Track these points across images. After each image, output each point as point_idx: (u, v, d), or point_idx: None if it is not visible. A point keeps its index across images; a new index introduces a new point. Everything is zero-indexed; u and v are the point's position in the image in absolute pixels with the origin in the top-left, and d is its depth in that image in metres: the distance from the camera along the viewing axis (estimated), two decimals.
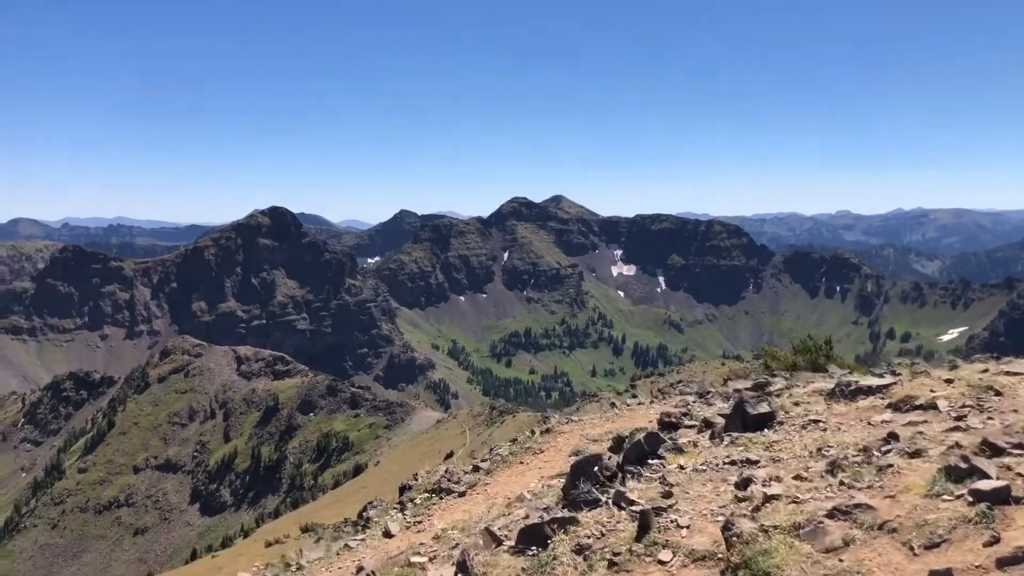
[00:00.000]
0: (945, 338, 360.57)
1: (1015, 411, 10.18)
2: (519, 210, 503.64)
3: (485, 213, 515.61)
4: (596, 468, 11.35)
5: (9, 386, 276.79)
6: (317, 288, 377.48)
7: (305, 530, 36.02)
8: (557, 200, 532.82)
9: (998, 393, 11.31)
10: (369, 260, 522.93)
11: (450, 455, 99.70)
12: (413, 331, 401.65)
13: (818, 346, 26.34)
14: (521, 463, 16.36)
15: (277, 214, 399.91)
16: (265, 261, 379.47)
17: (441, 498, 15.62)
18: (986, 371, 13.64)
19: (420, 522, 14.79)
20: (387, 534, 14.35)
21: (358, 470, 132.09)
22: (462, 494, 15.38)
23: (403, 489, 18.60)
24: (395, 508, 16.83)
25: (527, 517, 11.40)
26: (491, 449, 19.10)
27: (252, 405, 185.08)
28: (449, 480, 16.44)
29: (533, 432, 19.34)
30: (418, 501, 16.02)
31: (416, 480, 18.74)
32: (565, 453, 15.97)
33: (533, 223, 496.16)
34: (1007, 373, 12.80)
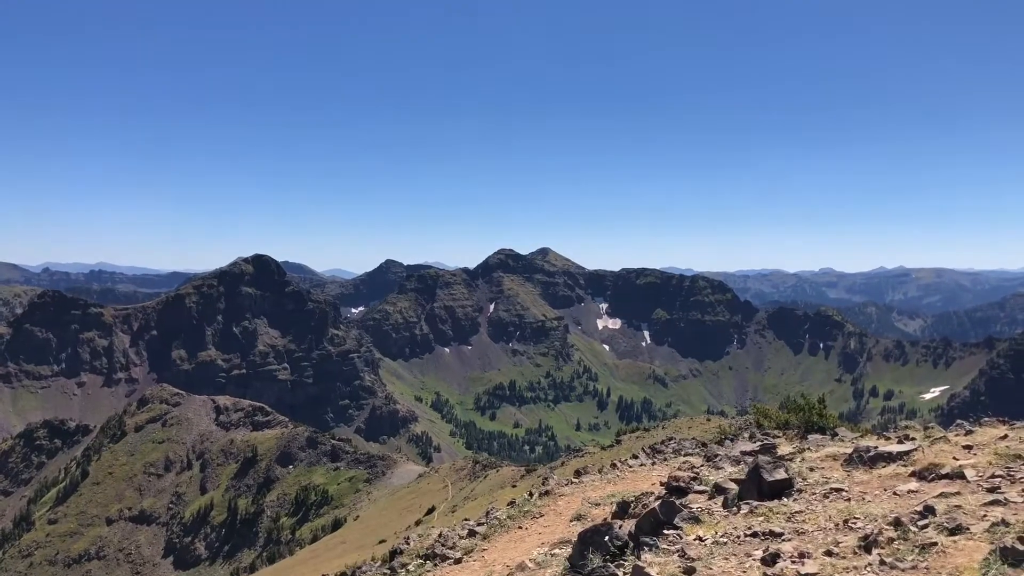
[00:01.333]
0: (927, 396, 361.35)
1: None
2: (506, 262, 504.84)
3: (472, 264, 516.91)
4: (607, 538, 10.71)
5: None
6: (299, 338, 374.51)
7: None
8: (544, 252, 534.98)
9: None
10: (353, 310, 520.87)
11: (431, 510, 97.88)
12: (396, 382, 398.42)
13: (811, 404, 25.91)
14: (520, 528, 15.62)
15: (260, 262, 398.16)
16: (247, 310, 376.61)
17: (436, 564, 14.84)
18: (1005, 437, 13.19)
19: None
20: None
21: (337, 524, 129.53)
22: (458, 560, 14.60)
23: (393, 553, 17.75)
24: (385, 574, 15.99)
25: None
26: (487, 512, 18.30)
27: (230, 456, 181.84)
28: (443, 545, 15.66)
29: (531, 494, 18.61)
30: (411, 568, 15.22)
31: (408, 544, 17.90)
32: (566, 518, 15.28)
33: (519, 275, 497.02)
34: None
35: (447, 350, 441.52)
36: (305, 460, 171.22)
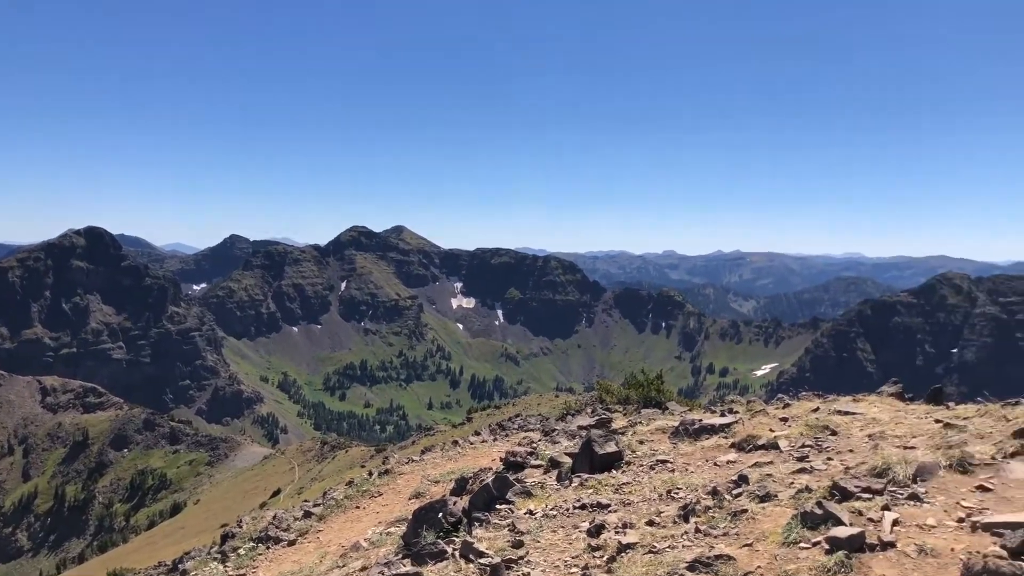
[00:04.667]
0: (759, 373, 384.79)
1: (851, 451, 10.39)
2: (359, 239, 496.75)
3: (323, 241, 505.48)
4: (440, 515, 10.70)
5: None
6: (136, 315, 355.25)
7: None
8: (398, 231, 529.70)
9: (833, 433, 11.58)
10: (195, 286, 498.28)
11: (277, 492, 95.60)
12: (241, 362, 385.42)
13: (650, 381, 26.89)
14: (357, 507, 15.39)
15: (93, 235, 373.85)
16: (79, 285, 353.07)
17: (268, 547, 14.39)
18: (817, 410, 14.08)
19: (243, 575, 13.56)
20: None
21: (176, 510, 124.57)
22: (292, 543, 14.23)
23: (225, 537, 17.11)
24: (215, 559, 15.39)
25: (364, 570, 10.57)
26: (324, 493, 17.94)
27: (57, 440, 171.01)
28: (277, 527, 15.22)
29: (371, 474, 18.38)
30: (242, 551, 14.69)
31: (240, 527, 17.30)
32: (405, 496, 15.18)
33: (373, 253, 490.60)
34: (838, 412, 13.21)
35: (295, 329, 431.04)
36: (142, 443, 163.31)
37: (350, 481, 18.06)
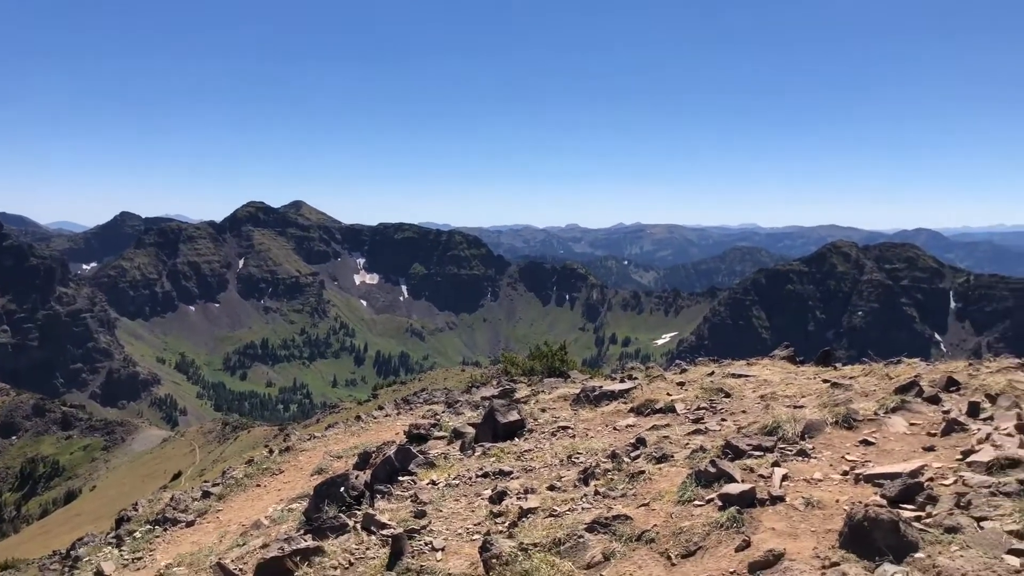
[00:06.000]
0: (659, 342, 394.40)
1: (744, 412, 10.76)
2: (256, 215, 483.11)
3: (218, 218, 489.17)
4: (342, 489, 10.59)
5: None
6: (21, 297, 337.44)
7: (3, 568, 31.61)
8: (297, 206, 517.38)
9: (727, 395, 11.97)
10: (84, 266, 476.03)
11: (177, 475, 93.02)
12: (135, 344, 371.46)
13: (553, 351, 27.26)
14: (258, 486, 15.09)
15: None
16: None
17: (165, 529, 13.97)
18: (712, 374, 14.52)
19: (140, 558, 13.12)
20: (99, 575, 12.56)
21: (71, 497, 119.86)
22: (190, 523, 13.85)
23: (120, 521, 16.52)
24: (110, 543, 14.86)
25: (265, 547, 10.37)
26: (224, 472, 17.51)
27: None
28: (175, 508, 14.78)
29: (271, 451, 18.03)
30: (138, 534, 14.21)
31: (136, 510, 16.73)
32: (307, 472, 14.97)
33: (271, 229, 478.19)
34: (732, 375, 13.66)
35: (192, 308, 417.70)
36: (31, 430, 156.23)
37: (250, 460, 17.68)
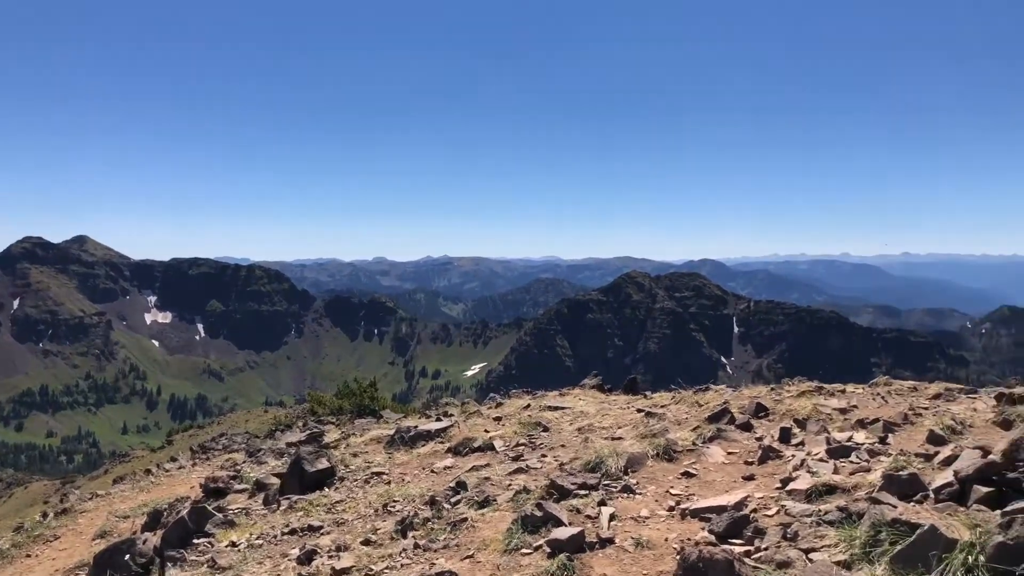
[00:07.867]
0: (469, 373, 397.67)
1: (563, 446, 10.54)
2: (33, 251, 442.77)
3: None
4: (127, 556, 9.41)
5: None
6: None
7: None
8: (81, 241, 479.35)
9: (545, 429, 11.74)
10: None
11: None
12: None
13: (363, 388, 26.38)
14: (28, 556, 13.20)
15: None
16: None
17: None
18: (528, 407, 14.31)
19: None
20: None
21: None
22: None
23: None
24: None
25: None
26: None
27: None
28: None
29: (45, 515, 15.98)
30: None
31: None
32: (88, 537, 13.27)
33: (51, 266, 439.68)
34: (548, 408, 13.49)
35: None
36: None
37: (19, 526, 15.53)
